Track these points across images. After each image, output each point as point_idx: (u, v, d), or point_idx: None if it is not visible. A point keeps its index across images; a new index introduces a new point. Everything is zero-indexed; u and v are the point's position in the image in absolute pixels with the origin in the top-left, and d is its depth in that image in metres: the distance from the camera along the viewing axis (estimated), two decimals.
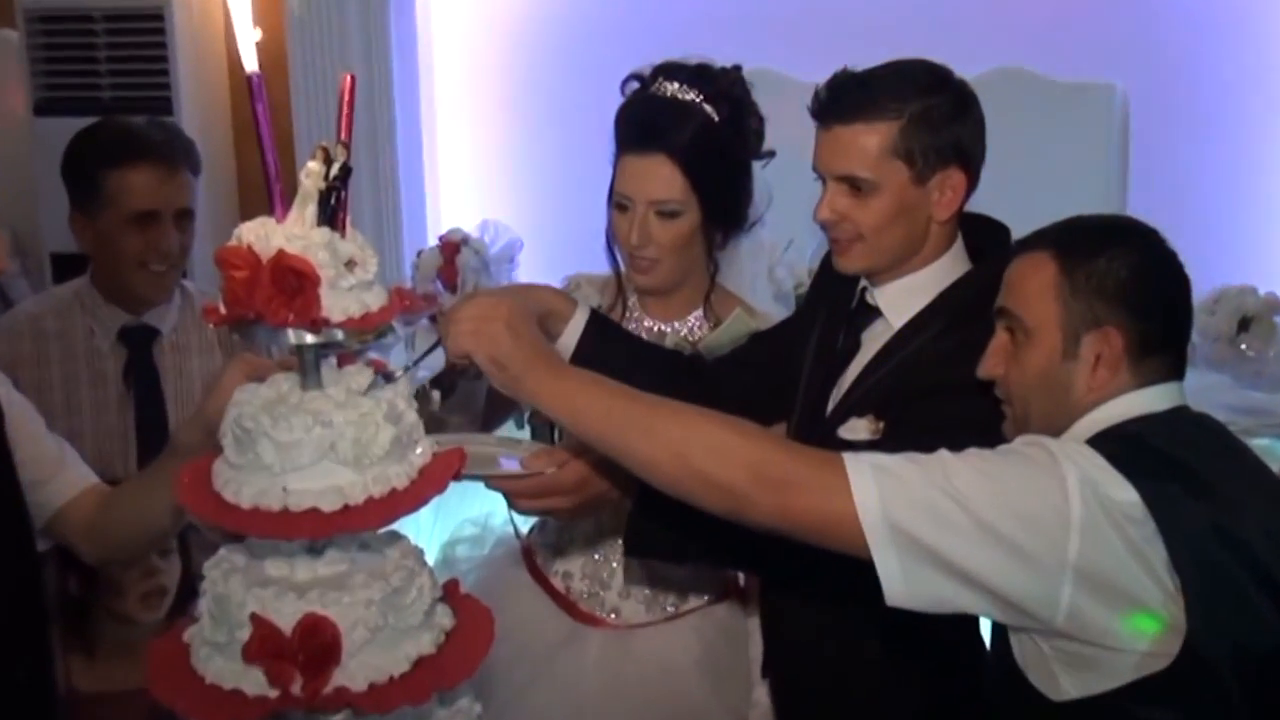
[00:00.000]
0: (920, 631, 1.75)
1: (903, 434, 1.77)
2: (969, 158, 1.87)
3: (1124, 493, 1.49)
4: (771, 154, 2.16)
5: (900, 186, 1.84)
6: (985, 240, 1.94)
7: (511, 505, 1.86)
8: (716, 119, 2.09)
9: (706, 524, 1.63)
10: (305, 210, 1.40)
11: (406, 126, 3.92)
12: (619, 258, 2.20)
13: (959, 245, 1.94)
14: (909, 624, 1.57)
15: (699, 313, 2.23)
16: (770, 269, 2.99)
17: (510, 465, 1.82)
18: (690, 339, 2.19)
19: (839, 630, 1.96)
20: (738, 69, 2.13)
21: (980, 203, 1.91)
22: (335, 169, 1.40)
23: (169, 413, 2.51)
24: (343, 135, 1.42)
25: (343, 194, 1.41)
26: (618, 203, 2.14)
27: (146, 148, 2.43)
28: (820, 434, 1.94)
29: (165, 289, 2.52)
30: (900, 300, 1.92)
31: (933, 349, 1.85)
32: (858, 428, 1.86)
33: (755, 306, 2.26)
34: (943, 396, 1.77)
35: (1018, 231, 1.92)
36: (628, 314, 2.24)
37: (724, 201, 2.13)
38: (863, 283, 1.98)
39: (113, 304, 2.51)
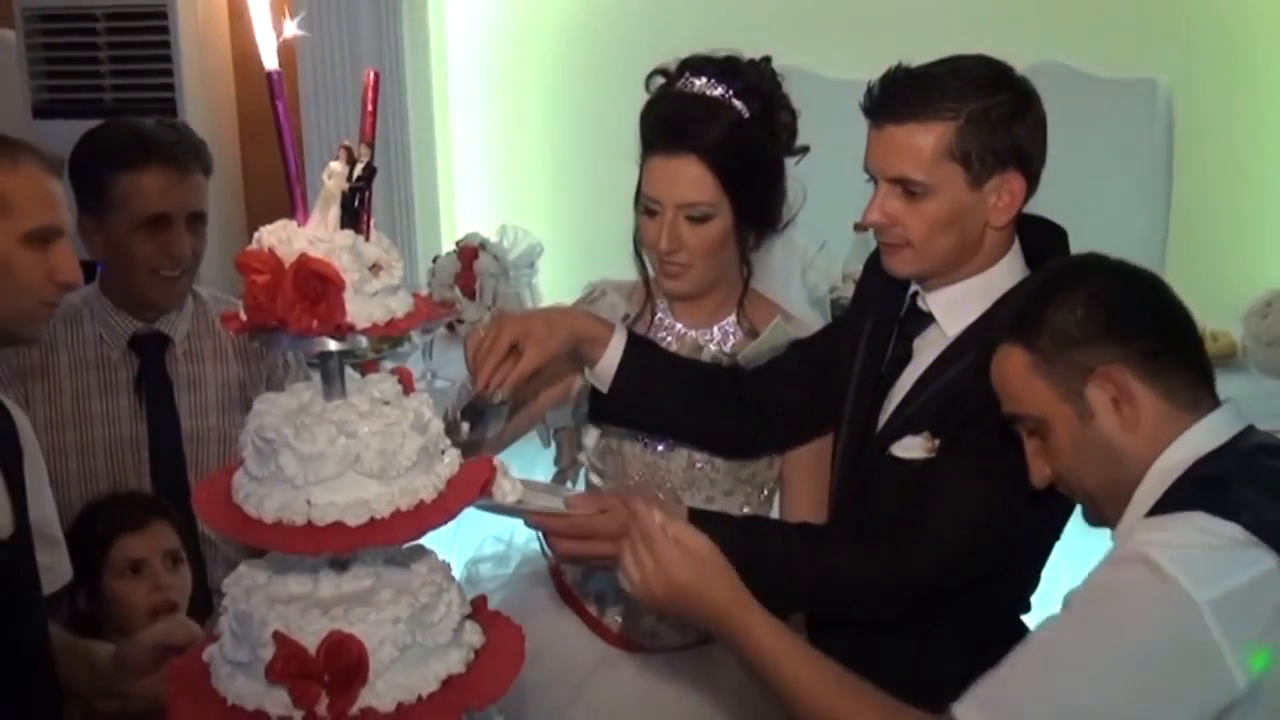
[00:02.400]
0: (977, 655, 1.71)
1: (958, 453, 1.72)
2: (1028, 160, 1.80)
3: (1252, 565, 1.39)
4: (805, 150, 2.09)
5: (955, 190, 1.77)
6: (1042, 244, 1.88)
7: (550, 546, 1.80)
8: (747, 115, 2.01)
9: (765, 583, 1.63)
10: (328, 212, 1.36)
11: (421, 127, 3.85)
12: (647, 263, 2.14)
13: (1016, 250, 1.87)
14: (963, 647, 1.53)
15: (732, 317, 2.16)
16: (803, 272, 2.93)
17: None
18: (726, 350, 2.13)
19: (891, 658, 1.92)
20: (767, 61, 2.06)
21: None
22: (359, 169, 1.35)
23: (182, 423, 2.46)
24: (366, 134, 1.38)
25: (367, 195, 1.37)
26: (646, 207, 2.06)
27: (157, 149, 2.38)
28: (872, 450, 1.88)
29: (178, 295, 2.47)
30: (954, 307, 1.85)
31: (988, 363, 1.79)
32: (912, 446, 1.82)
33: (790, 311, 2.19)
34: (999, 414, 1.71)
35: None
36: (657, 320, 2.17)
37: (756, 202, 2.06)
38: (914, 287, 1.92)
39: (123, 311, 2.46)
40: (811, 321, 2.24)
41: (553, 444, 2.20)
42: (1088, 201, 3.29)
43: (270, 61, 1.34)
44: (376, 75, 1.40)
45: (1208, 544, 1.41)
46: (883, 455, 1.85)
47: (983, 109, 1.75)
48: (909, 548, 1.79)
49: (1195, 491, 1.48)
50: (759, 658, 1.58)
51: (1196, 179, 3.48)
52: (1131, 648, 1.39)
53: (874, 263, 1.99)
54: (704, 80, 2.01)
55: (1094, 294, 1.55)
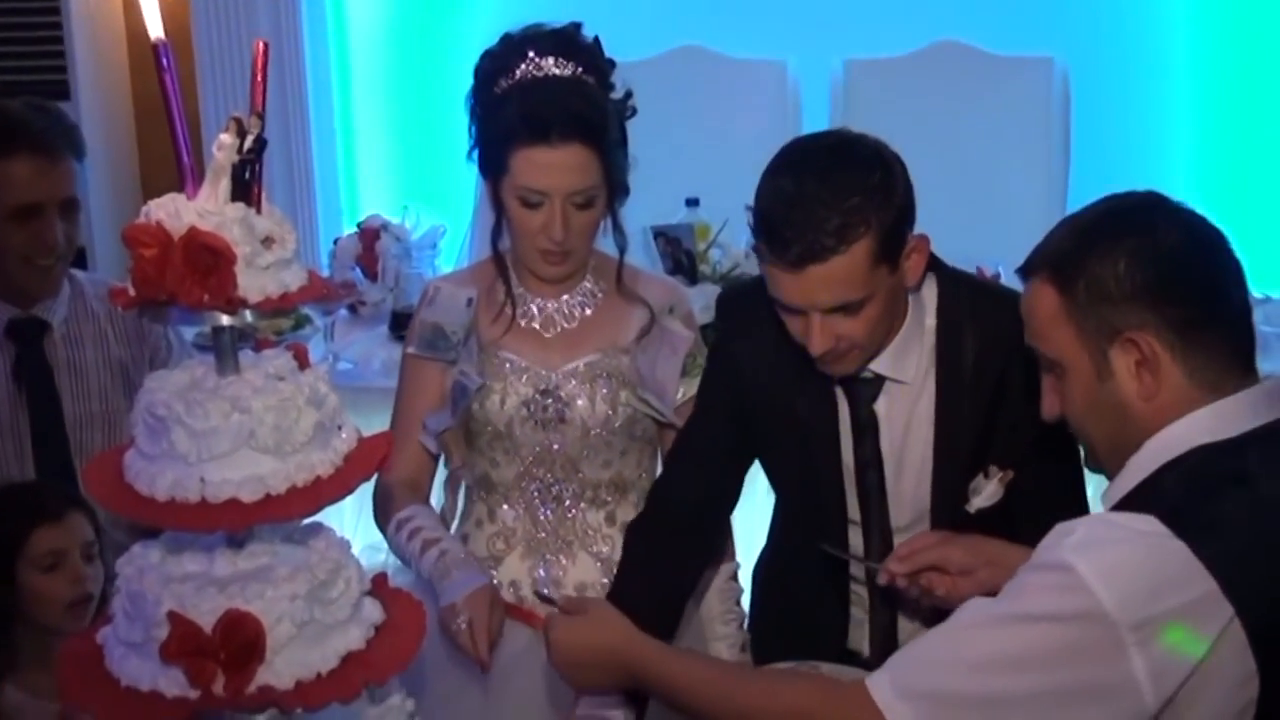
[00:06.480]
0: None
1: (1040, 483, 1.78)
2: (911, 209, 1.78)
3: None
4: (634, 111, 2.05)
5: (885, 283, 1.76)
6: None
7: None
8: (596, 86, 1.98)
9: None
10: (218, 185, 1.34)
11: (319, 103, 3.83)
12: (517, 250, 2.06)
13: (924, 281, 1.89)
14: None
15: (588, 280, 2.12)
16: (704, 249, 2.93)
17: None
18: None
19: None
20: (578, 26, 2.02)
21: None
22: (249, 141, 1.34)
23: (65, 408, 2.37)
24: (257, 105, 1.36)
25: (258, 167, 1.35)
26: (524, 200, 1.98)
27: (26, 136, 2.27)
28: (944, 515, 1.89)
29: (53, 283, 2.38)
30: (898, 358, 1.86)
31: (1017, 397, 1.78)
32: (993, 493, 1.84)
33: (648, 272, 2.18)
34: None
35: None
36: (517, 299, 2.10)
37: (620, 171, 2.03)
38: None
39: None
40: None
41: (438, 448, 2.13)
42: (987, 178, 3.35)
43: (155, 30, 1.31)
44: (266, 45, 1.38)
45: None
46: (965, 515, 1.86)
47: (879, 201, 1.72)
48: None
49: (1172, 490, 1.41)
50: (662, 681, 1.62)
51: (1094, 154, 3.56)
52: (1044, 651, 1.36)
53: (720, 355, 2.03)
54: (553, 60, 1.97)
55: (1140, 248, 1.44)
